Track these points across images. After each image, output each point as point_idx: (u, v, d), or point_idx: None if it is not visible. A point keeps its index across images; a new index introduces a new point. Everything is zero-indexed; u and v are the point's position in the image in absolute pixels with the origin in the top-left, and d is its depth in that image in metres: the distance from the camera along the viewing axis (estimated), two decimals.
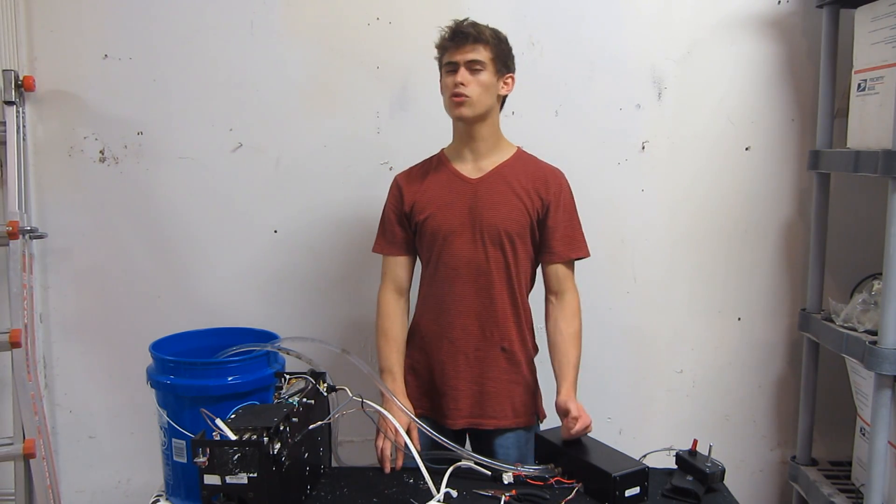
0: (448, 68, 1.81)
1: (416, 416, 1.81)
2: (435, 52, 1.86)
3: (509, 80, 1.85)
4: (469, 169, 1.87)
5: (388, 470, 1.77)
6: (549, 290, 1.90)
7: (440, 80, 1.86)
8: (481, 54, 1.77)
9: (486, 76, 1.79)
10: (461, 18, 1.81)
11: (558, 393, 1.79)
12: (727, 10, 2.28)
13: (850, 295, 2.17)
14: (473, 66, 1.77)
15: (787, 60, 2.29)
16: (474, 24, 1.79)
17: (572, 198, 1.90)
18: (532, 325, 1.94)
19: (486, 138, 1.86)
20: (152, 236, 2.35)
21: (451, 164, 1.89)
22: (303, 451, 1.60)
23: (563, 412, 1.74)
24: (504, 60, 1.83)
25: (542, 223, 1.86)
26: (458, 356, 1.86)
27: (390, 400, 1.78)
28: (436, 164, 1.92)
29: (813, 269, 2.24)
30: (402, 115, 2.30)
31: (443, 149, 1.94)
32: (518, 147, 1.92)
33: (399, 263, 1.93)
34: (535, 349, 1.95)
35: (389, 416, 1.72)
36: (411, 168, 1.96)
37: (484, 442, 1.90)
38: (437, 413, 1.89)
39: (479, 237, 1.83)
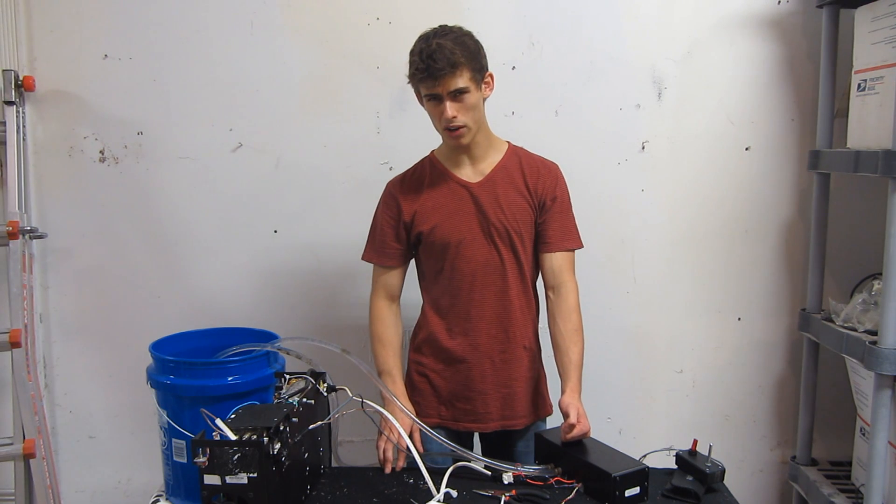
0: (429, 98, 1.73)
1: (432, 425, 1.81)
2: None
3: (489, 80, 1.80)
4: (468, 173, 1.85)
5: (388, 471, 1.77)
6: (547, 286, 1.88)
7: (421, 102, 1.79)
8: (461, 79, 1.69)
9: (472, 96, 1.73)
10: (428, 44, 1.69)
11: (562, 393, 1.79)
12: (727, 10, 2.28)
13: (850, 295, 2.17)
14: (457, 93, 1.71)
15: (787, 60, 2.29)
16: (441, 48, 1.67)
17: (567, 190, 1.89)
18: (539, 315, 1.95)
19: (480, 143, 1.83)
20: (152, 236, 2.35)
21: (449, 170, 1.86)
22: (303, 451, 1.60)
23: (563, 415, 1.74)
24: (480, 68, 1.75)
25: (540, 216, 1.85)
26: (484, 361, 1.85)
27: (391, 401, 1.77)
28: (430, 170, 1.88)
29: (813, 269, 2.24)
30: (402, 115, 2.30)
31: (433, 151, 1.91)
32: (508, 142, 1.90)
33: (392, 274, 1.90)
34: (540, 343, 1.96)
35: (391, 418, 1.72)
36: (403, 175, 1.91)
37: (508, 441, 1.90)
38: (460, 419, 1.88)
39: (491, 240, 1.82)
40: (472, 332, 1.85)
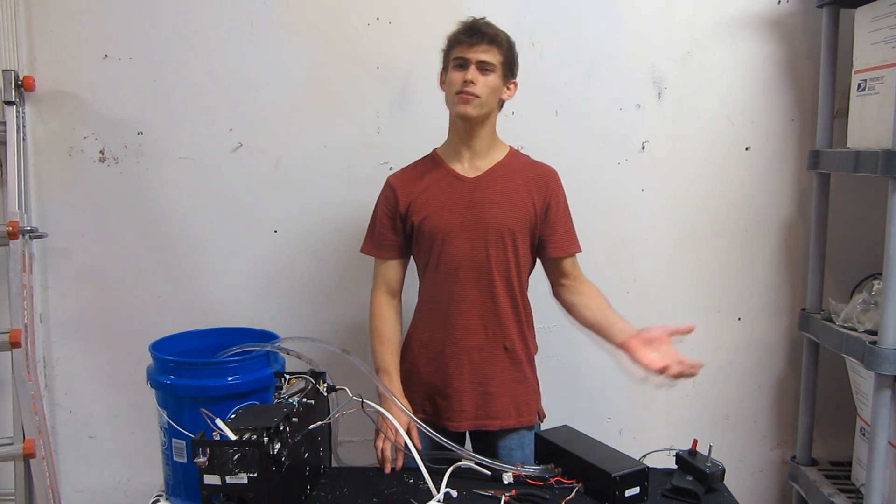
0: (457, 63, 1.79)
1: (418, 419, 1.81)
2: (439, 46, 1.85)
3: (512, 87, 1.86)
4: (465, 168, 1.87)
5: (388, 470, 1.77)
6: (561, 278, 1.91)
7: (442, 74, 1.85)
8: (494, 56, 1.77)
9: (494, 79, 1.79)
10: (476, 19, 1.81)
11: (620, 336, 1.75)
12: (727, 10, 2.28)
13: (850, 295, 2.17)
14: (484, 67, 1.77)
15: (787, 60, 2.29)
16: (489, 25, 1.79)
17: (565, 195, 1.92)
18: (532, 323, 1.94)
19: (484, 138, 1.86)
20: (152, 236, 2.35)
21: (447, 164, 1.89)
22: (303, 451, 1.60)
23: (645, 355, 1.69)
24: (511, 66, 1.84)
25: (542, 221, 1.87)
26: (462, 357, 1.86)
27: (389, 399, 1.77)
28: (430, 165, 1.91)
29: (813, 269, 2.24)
30: (402, 115, 2.30)
31: (435, 149, 1.94)
32: (510, 146, 1.93)
33: (391, 266, 1.92)
34: (535, 348, 1.96)
35: (390, 417, 1.72)
36: (404, 169, 1.95)
37: (487, 443, 1.90)
38: (440, 416, 1.89)
39: (480, 236, 1.82)
40: (451, 327, 1.86)
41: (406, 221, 1.88)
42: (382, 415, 1.74)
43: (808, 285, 2.26)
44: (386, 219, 1.90)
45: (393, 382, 1.85)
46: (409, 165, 1.95)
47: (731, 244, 2.38)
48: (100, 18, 2.25)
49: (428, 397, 1.90)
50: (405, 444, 1.68)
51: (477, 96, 1.77)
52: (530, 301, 1.94)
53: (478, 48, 1.76)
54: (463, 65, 1.78)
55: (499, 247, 1.83)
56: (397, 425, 1.70)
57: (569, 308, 1.92)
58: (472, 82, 1.76)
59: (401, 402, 1.79)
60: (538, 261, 1.94)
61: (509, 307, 1.86)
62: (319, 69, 2.29)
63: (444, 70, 1.85)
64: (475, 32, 1.77)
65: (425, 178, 1.89)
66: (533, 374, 1.94)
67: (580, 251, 1.92)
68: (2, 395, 2.36)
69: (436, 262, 1.86)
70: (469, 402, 1.86)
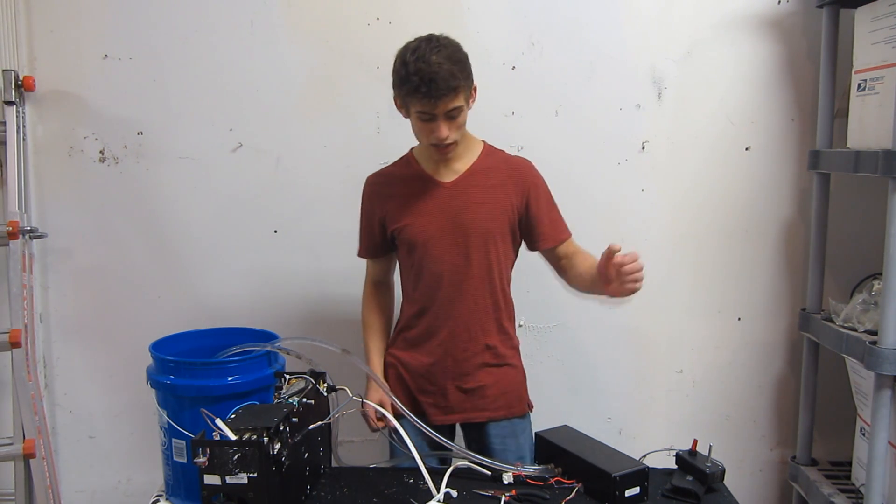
0: (421, 116, 1.70)
1: (417, 419, 1.82)
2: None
3: (474, 93, 1.78)
4: (443, 172, 1.85)
5: (375, 427, 1.90)
6: (559, 261, 1.91)
7: (401, 109, 1.77)
8: (458, 99, 1.68)
9: (464, 114, 1.74)
10: (426, 63, 1.62)
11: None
12: (727, 10, 2.28)
13: (850, 295, 2.17)
14: (452, 114, 1.69)
15: (787, 60, 2.29)
16: (440, 72, 1.62)
17: (546, 183, 1.91)
18: (514, 316, 1.96)
19: (458, 147, 1.82)
20: (152, 236, 2.36)
21: (424, 170, 1.87)
22: (303, 451, 1.60)
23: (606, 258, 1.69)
24: (471, 83, 1.74)
25: (524, 215, 1.87)
26: (447, 358, 1.88)
27: (370, 381, 1.87)
28: (406, 169, 1.89)
29: (813, 269, 2.24)
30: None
31: (412, 148, 1.92)
32: (483, 141, 1.91)
33: (380, 263, 2.00)
34: (517, 340, 1.97)
35: (383, 410, 1.81)
36: (381, 171, 1.94)
37: (478, 433, 1.92)
38: (427, 412, 1.90)
39: (461, 241, 1.82)
40: (435, 330, 1.87)
41: (386, 226, 1.89)
42: (366, 401, 1.83)
43: (808, 285, 2.26)
44: (367, 222, 1.94)
45: (372, 363, 1.93)
46: (387, 168, 1.94)
47: (731, 244, 2.38)
48: (100, 18, 2.26)
49: (414, 395, 1.92)
50: (393, 427, 1.71)
51: (454, 143, 1.76)
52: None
53: (441, 102, 1.65)
54: (430, 118, 1.69)
55: (479, 251, 1.83)
56: (383, 412, 1.79)
57: (569, 283, 1.93)
58: (448, 136, 1.71)
59: (378, 380, 1.85)
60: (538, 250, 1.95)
61: (490, 307, 1.87)
62: (319, 69, 2.29)
63: (401, 101, 1.74)
64: (432, 86, 1.62)
65: (403, 184, 1.87)
66: (519, 365, 1.96)
67: (570, 235, 1.91)
68: (2, 395, 2.36)
69: (418, 268, 1.87)
70: (454, 398, 1.88)
